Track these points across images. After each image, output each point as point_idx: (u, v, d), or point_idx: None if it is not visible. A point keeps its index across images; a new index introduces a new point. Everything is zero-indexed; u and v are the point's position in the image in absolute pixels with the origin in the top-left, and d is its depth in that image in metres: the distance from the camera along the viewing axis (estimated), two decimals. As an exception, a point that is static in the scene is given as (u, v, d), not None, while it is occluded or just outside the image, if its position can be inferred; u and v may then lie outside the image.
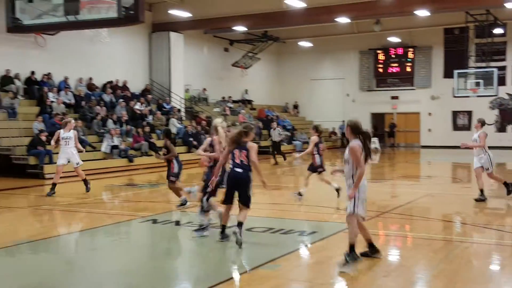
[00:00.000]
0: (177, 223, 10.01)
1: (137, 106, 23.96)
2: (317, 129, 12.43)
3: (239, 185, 7.77)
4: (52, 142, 13.58)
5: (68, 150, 13.14)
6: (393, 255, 7.80)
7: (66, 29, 11.95)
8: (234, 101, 31.82)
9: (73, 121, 13.53)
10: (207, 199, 8.45)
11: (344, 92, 35.68)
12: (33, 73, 21.32)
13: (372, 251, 7.12)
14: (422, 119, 33.87)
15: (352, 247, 6.68)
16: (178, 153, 11.15)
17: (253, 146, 7.82)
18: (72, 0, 9.03)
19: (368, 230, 7.14)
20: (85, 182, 13.44)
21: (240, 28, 27.52)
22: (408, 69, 33.93)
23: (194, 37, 29.07)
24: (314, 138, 12.17)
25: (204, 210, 8.54)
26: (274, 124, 24.82)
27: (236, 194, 7.85)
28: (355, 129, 7.03)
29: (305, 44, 34.79)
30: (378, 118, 35.32)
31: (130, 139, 21.39)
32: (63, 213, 10.02)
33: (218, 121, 9.11)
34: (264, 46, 31.91)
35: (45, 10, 9.96)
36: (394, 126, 34.59)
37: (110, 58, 24.62)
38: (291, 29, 30.75)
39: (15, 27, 9.71)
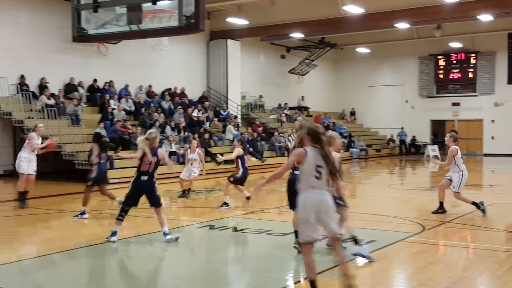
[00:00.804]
0: (235, 229, 10.02)
1: (195, 113, 24.29)
2: (242, 142, 12.52)
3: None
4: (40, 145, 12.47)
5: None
6: (454, 266, 7.52)
7: (129, 38, 12.27)
8: (290, 108, 31.76)
9: (40, 125, 12.64)
10: None
11: (403, 98, 34.96)
12: (95, 81, 22.04)
13: None
14: (484, 126, 32.71)
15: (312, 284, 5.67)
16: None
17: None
18: (135, 9, 9.24)
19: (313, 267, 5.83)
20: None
21: (297, 35, 27.48)
22: (470, 75, 32.89)
23: (251, 44, 29.25)
24: (238, 151, 12.04)
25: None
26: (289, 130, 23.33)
27: None
28: (314, 136, 5.67)
29: (363, 50, 34.37)
30: (438, 125, 34.40)
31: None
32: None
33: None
34: (321, 52, 31.73)
35: (108, 19, 10.26)
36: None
37: (169, 66, 25.12)
38: (349, 35, 30.45)
39: (81, 36, 10.02)
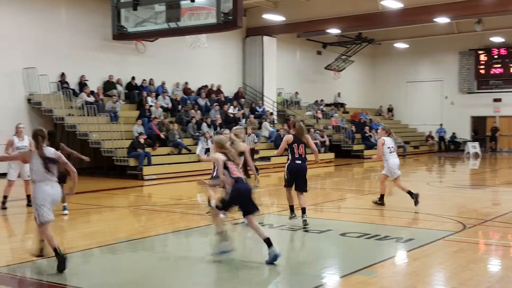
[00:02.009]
0: (271, 226, 10.01)
1: (231, 110, 24.38)
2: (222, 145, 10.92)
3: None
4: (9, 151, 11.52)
5: None
6: (496, 265, 7.34)
7: (168, 35, 12.40)
8: (326, 105, 31.56)
9: (20, 125, 11.89)
10: None
11: (443, 94, 34.30)
12: (133, 78, 22.34)
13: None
14: (527, 122, 31.85)
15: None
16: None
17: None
18: (174, 7, 9.32)
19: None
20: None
21: (333, 31, 27.26)
22: (512, 70, 32.04)
23: (286, 40, 29.17)
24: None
25: None
26: (249, 129, 19.28)
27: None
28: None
29: (401, 45, 33.87)
30: (479, 122, 33.63)
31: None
32: (159, 213, 10.35)
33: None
34: (358, 48, 31.39)
35: (146, 17, 10.38)
36: (496, 130, 32.73)
37: (205, 63, 25.27)
38: (387, 30, 30.05)
39: (120, 34, 10.16)
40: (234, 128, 9.80)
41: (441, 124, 33.28)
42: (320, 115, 29.32)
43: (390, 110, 35.85)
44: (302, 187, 9.39)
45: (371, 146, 28.40)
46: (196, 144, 20.78)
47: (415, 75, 35.01)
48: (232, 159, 7.33)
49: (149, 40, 21.13)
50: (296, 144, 9.32)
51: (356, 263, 7.10)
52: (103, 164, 18.96)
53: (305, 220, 9.19)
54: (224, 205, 7.20)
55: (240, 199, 7.08)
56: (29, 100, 19.21)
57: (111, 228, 9.75)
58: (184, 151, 19.89)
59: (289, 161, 9.41)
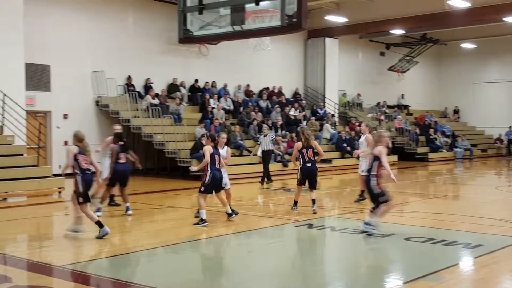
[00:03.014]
0: (333, 228, 9.90)
1: (292, 112, 24.32)
2: (212, 138, 10.05)
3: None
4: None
5: None
6: None
7: (233, 38, 12.48)
8: (389, 106, 30.96)
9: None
10: None
11: (512, 96, 32.96)
12: (196, 81, 22.70)
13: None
14: None
15: None
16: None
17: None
18: (239, 10, 9.38)
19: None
20: None
21: (397, 31, 26.73)
22: None
23: (349, 42, 28.84)
24: (208, 148, 9.81)
25: None
26: (266, 129, 18.26)
27: None
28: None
29: (468, 45, 32.80)
30: (551, 125, 32.07)
31: (285, 144, 21.74)
32: (221, 214, 10.43)
33: None
34: (422, 49, 30.64)
35: (209, 21, 10.50)
36: None
37: (267, 65, 25.35)
38: (453, 30, 29.12)
39: (186, 38, 10.30)
40: (377, 131, 9.64)
41: (510, 127, 31.94)
42: (382, 117, 28.80)
43: (456, 112, 34.76)
44: (313, 185, 11.09)
45: (436, 148, 27.65)
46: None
47: (483, 76, 33.79)
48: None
49: (212, 43, 21.40)
50: (305, 150, 10.85)
51: (422, 268, 6.89)
52: (167, 165, 19.36)
53: (314, 209, 10.83)
54: None
55: None
56: (97, 103, 19.87)
57: (174, 228, 9.91)
58: (245, 152, 20.01)
59: (301, 164, 10.90)
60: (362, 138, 12.19)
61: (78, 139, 8.80)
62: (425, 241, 8.38)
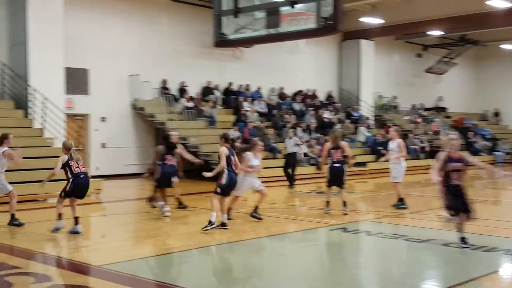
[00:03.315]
0: (368, 233, 9.78)
1: (326, 115, 24.17)
2: (226, 138, 9.77)
3: None
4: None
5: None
6: None
7: (268, 41, 12.52)
8: (426, 109, 30.46)
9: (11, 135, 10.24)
10: None
11: (556, 98, 32.01)
12: (230, 84, 22.79)
13: None
14: None
15: None
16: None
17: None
18: (274, 13, 9.38)
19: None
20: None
21: (435, 33, 26.29)
22: None
23: (384, 43, 28.51)
24: (223, 150, 9.62)
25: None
26: (291, 132, 17.77)
27: None
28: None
29: (508, 46, 31.99)
30: None
31: (319, 147, 21.61)
32: (248, 216, 10.42)
33: None
34: (461, 50, 30.05)
35: (243, 24, 10.52)
36: None
37: (301, 68, 25.27)
38: (493, 31, 28.43)
39: (222, 41, 10.34)
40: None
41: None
42: (419, 120, 28.34)
43: (496, 114, 33.96)
44: (341, 184, 11.21)
45: (475, 152, 27.05)
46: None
47: (525, 77, 32.93)
48: None
49: (246, 46, 21.46)
50: (333, 151, 11.09)
51: (461, 275, 6.74)
52: (201, 168, 19.42)
53: (346, 211, 10.98)
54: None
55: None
56: (133, 106, 20.15)
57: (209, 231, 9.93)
58: (279, 155, 19.96)
59: (330, 165, 11.09)
60: (394, 144, 11.89)
61: (66, 148, 9.17)
62: (465, 247, 8.18)
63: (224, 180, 9.47)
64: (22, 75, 16.27)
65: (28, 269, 7.14)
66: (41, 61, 16.19)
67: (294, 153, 16.98)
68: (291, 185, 16.66)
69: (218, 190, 9.53)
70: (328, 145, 11.30)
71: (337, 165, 11.02)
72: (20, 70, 16.36)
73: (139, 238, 9.55)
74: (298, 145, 17.45)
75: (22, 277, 6.64)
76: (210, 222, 9.34)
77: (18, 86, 16.48)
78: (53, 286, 6.32)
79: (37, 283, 6.43)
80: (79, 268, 7.14)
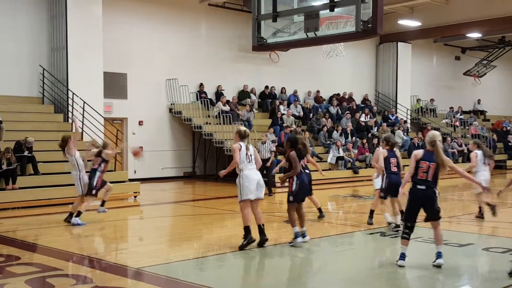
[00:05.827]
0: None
1: (362, 118, 23.99)
2: (291, 141, 9.11)
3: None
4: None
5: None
6: None
7: (306, 45, 12.40)
8: (464, 112, 29.91)
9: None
10: None
11: None
12: (266, 87, 22.85)
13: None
14: None
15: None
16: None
17: None
18: (313, 17, 9.34)
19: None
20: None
21: (474, 35, 25.84)
22: None
23: (422, 46, 28.15)
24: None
25: None
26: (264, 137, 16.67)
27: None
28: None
29: (549, 48, 31.15)
30: None
31: (355, 151, 21.48)
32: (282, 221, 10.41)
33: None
34: (501, 52, 29.40)
35: (281, 28, 10.52)
36: None
37: (337, 71, 25.16)
38: (533, 32, 27.80)
39: (260, 45, 10.35)
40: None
41: None
42: (457, 123, 27.84)
43: (537, 117, 33.07)
44: (396, 194, 9.60)
45: (515, 156, 26.43)
46: (327, 152, 20.73)
47: None
48: None
49: (283, 50, 21.48)
50: (390, 158, 9.88)
51: (502, 280, 6.60)
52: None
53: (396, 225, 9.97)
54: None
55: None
56: (170, 110, 20.40)
57: (239, 234, 9.97)
58: (315, 159, 19.88)
59: (386, 174, 9.76)
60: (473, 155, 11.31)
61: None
62: (505, 252, 8.02)
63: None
64: (62, 79, 16.67)
65: (68, 271, 7.30)
66: (80, 65, 16.55)
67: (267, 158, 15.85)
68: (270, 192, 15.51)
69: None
70: (384, 151, 9.85)
71: (394, 173, 9.69)
72: (60, 75, 16.76)
73: (177, 240, 9.67)
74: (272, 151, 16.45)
75: (63, 278, 6.79)
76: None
77: (58, 90, 16.88)
78: None
79: (77, 284, 6.57)
80: (118, 270, 7.27)
